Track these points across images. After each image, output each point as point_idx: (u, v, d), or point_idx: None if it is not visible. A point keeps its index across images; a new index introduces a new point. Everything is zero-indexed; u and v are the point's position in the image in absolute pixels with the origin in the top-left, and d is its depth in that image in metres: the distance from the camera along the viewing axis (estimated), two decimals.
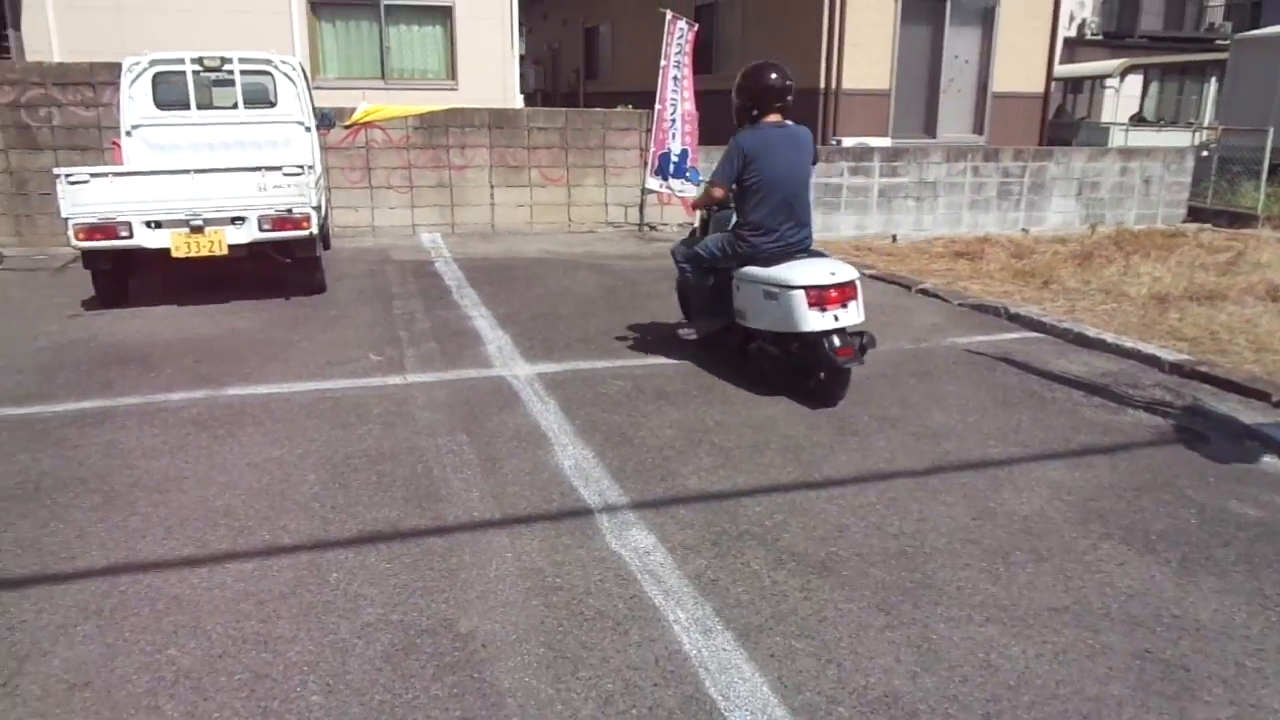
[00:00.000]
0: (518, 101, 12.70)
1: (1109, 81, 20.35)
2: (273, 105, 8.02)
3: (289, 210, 6.81)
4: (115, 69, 8.04)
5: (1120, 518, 3.70)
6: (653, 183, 10.54)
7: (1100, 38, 25.17)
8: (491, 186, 10.79)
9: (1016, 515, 3.70)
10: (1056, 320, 6.65)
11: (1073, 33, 24.39)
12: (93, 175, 6.57)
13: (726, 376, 5.38)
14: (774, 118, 5.22)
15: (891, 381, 5.38)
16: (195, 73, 7.76)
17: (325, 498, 3.78)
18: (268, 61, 7.98)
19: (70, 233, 6.55)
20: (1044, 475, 4.10)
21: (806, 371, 5.01)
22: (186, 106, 7.81)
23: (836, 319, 4.83)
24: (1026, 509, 3.76)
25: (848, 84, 12.97)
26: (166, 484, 3.90)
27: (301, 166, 6.86)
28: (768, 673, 2.67)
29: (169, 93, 7.76)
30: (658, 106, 10.28)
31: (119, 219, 6.57)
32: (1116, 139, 17.37)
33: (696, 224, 6.25)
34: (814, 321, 4.81)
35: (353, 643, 2.79)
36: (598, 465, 4.13)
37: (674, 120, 10.29)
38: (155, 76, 7.70)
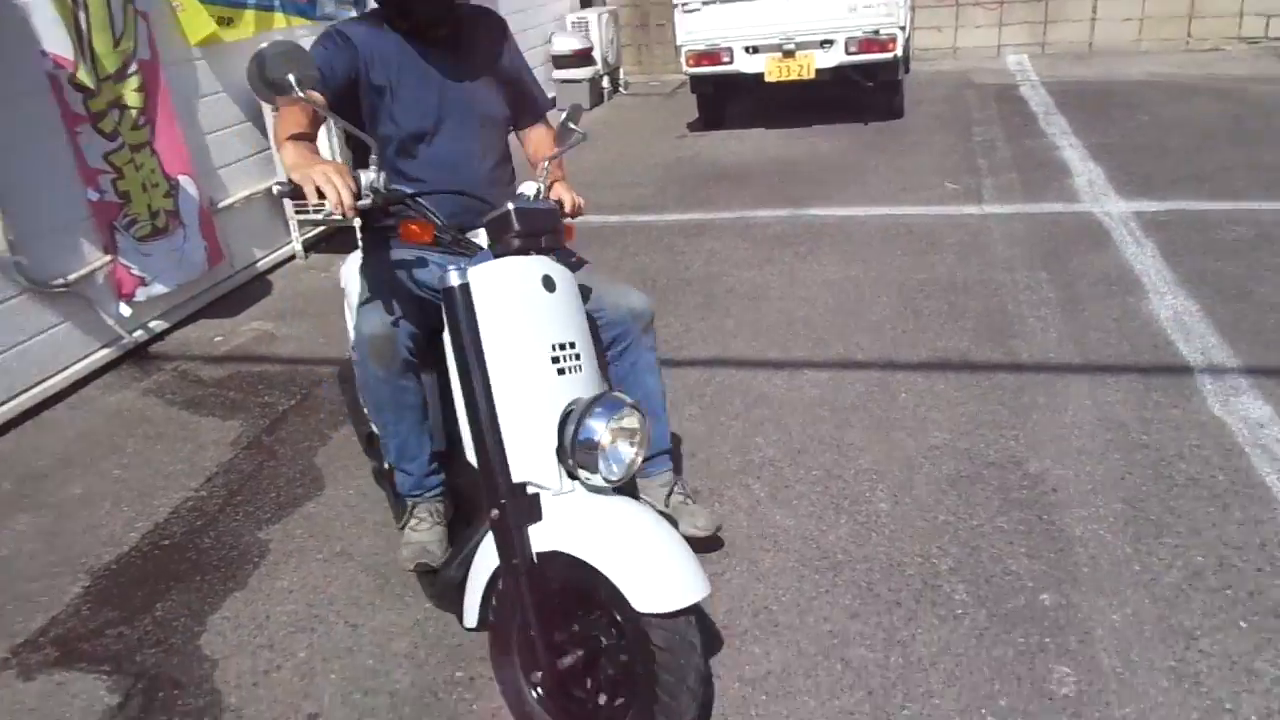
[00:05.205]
0: None
1: None
2: None
3: (876, 31, 6.76)
4: None
5: None
6: None
7: None
8: None
9: None
10: None
11: None
12: (704, 4, 7.13)
13: None
14: None
15: None
16: None
17: (896, 321, 3.86)
18: None
19: (682, 59, 7.26)
20: None
21: None
22: None
23: None
24: None
25: None
26: (754, 292, 4.29)
27: None
28: None
29: None
30: None
31: (722, 45, 7.11)
32: None
33: None
34: None
35: (919, 461, 2.87)
36: (1203, 320, 3.62)
37: None
38: None
